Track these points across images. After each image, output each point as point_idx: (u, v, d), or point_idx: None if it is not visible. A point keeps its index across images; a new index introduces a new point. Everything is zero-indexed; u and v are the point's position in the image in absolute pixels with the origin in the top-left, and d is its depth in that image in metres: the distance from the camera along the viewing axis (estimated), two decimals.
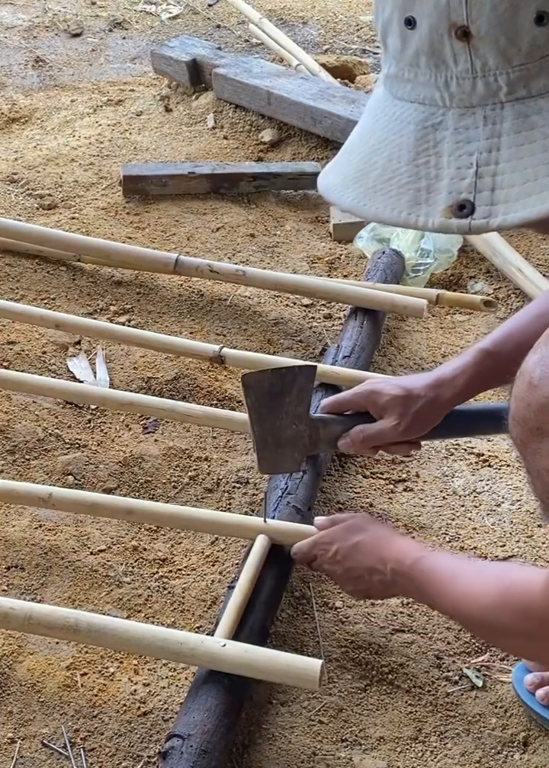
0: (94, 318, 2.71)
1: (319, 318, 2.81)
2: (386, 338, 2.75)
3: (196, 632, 1.86)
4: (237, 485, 2.26)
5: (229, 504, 2.22)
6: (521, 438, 1.51)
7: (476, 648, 1.94)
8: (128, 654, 1.86)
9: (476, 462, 2.34)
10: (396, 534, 1.87)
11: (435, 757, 1.76)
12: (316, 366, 1.97)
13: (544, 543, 2.14)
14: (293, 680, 1.71)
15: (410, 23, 1.05)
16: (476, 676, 1.89)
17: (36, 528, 2.12)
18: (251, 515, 2.13)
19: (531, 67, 1.01)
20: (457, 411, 1.89)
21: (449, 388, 1.84)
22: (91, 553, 2.08)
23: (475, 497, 2.27)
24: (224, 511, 2.19)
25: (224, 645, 1.69)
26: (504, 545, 2.14)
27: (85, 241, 2.89)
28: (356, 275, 3.01)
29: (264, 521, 1.96)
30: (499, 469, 2.33)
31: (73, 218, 3.14)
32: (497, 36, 1.01)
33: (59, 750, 1.72)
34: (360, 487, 2.26)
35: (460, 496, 2.27)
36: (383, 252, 2.90)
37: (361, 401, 1.90)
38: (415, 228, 1.05)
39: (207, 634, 1.78)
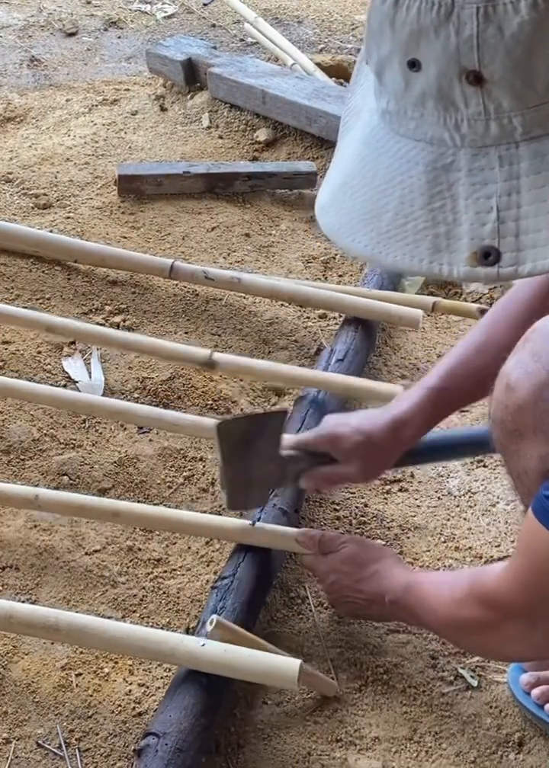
0: (90, 318, 2.71)
1: (314, 318, 2.81)
2: (382, 338, 2.75)
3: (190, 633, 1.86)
4: None
5: (224, 504, 2.21)
6: (500, 440, 1.52)
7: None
8: (123, 654, 1.85)
9: (471, 463, 2.34)
10: (393, 562, 1.88)
11: (430, 757, 1.76)
12: (287, 411, 2.00)
13: None
14: (272, 679, 1.73)
15: (414, 65, 1.00)
16: (471, 677, 1.89)
17: (30, 528, 2.12)
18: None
19: (547, 106, 0.97)
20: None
21: (408, 429, 1.84)
22: (86, 553, 2.08)
23: (470, 497, 2.27)
24: (219, 511, 2.19)
25: (203, 645, 1.69)
26: (499, 546, 2.14)
27: (82, 245, 2.89)
28: (351, 274, 3.01)
29: (252, 524, 1.97)
30: (494, 470, 2.33)
31: (68, 217, 3.14)
32: (512, 81, 0.96)
33: (54, 750, 1.72)
34: (355, 487, 2.26)
35: (455, 496, 2.27)
36: None
37: (324, 444, 1.90)
38: (440, 278, 1.00)
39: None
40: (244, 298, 2.85)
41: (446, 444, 2.03)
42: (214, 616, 1.75)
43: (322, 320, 2.80)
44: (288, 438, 1.95)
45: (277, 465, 1.90)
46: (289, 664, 1.69)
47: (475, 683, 1.88)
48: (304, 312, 2.83)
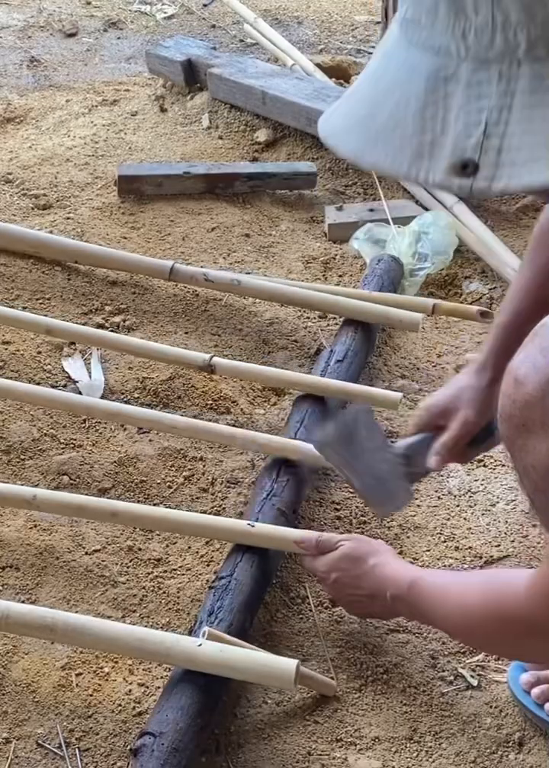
0: (89, 318, 2.71)
1: (314, 318, 2.81)
2: (382, 338, 2.75)
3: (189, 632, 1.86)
4: (231, 485, 2.26)
5: (223, 504, 2.22)
6: (507, 435, 1.51)
7: (471, 648, 1.94)
8: (120, 654, 1.85)
9: (471, 462, 2.34)
10: (390, 556, 1.89)
11: (430, 757, 1.76)
12: (368, 406, 2.03)
13: (538, 543, 2.14)
14: (269, 679, 1.72)
15: None
16: (471, 676, 1.89)
17: (31, 528, 2.12)
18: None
19: None
20: None
21: (496, 370, 1.84)
22: (86, 553, 2.08)
23: (470, 496, 2.27)
24: (218, 511, 2.19)
25: (200, 645, 1.69)
26: (499, 545, 2.14)
27: (82, 247, 2.90)
28: (352, 275, 3.01)
29: (252, 525, 1.97)
30: (494, 469, 2.33)
31: (68, 218, 3.14)
32: None
33: (54, 750, 1.72)
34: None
35: (455, 496, 2.27)
36: (381, 259, 2.89)
37: (431, 418, 1.94)
38: (415, 182, 1.00)
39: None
40: (244, 298, 2.85)
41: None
42: (206, 628, 1.75)
43: (322, 320, 2.80)
44: (399, 443, 2.00)
45: (394, 455, 1.93)
46: (286, 664, 1.69)
47: (475, 683, 1.88)
48: (304, 312, 2.83)
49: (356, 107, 1.07)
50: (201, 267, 2.87)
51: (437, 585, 1.77)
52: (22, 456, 2.29)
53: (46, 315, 2.64)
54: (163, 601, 2.00)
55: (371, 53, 4.47)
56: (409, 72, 1.01)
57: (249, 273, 2.90)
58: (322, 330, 2.76)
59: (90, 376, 2.53)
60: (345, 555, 1.90)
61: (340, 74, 4.16)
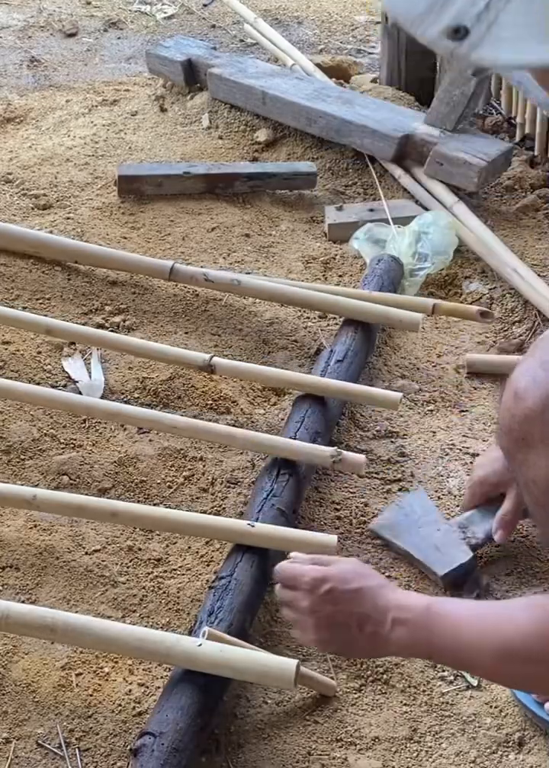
0: (89, 318, 2.71)
1: (314, 318, 2.81)
2: (382, 338, 2.75)
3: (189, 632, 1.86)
4: (231, 485, 2.26)
5: (223, 504, 2.22)
6: (507, 449, 1.51)
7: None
8: (119, 654, 1.85)
9: (471, 463, 2.34)
10: (396, 587, 1.75)
11: (430, 757, 1.76)
12: (422, 490, 2.22)
13: (539, 543, 2.14)
14: (269, 679, 1.73)
15: None
16: (471, 676, 1.89)
17: (31, 528, 2.12)
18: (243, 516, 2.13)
19: None
20: None
21: None
22: (86, 553, 2.08)
23: None
24: (218, 511, 2.19)
25: (200, 645, 1.69)
26: (499, 546, 2.14)
27: (82, 247, 2.90)
28: (351, 275, 3.00)
29: (252, 525, 1.97)
30: None
31: (68, 218, 3.14)
32: None
33: (54, 750, 1.72)
34: (355, 486, 2.26)
35: (455, 496, 2.27)
36: (381, 259, 2.89)
37: (484, 491, 2.06)
38: (414, 35, 1.04)
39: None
40: (244, 298, 2.85)
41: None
42: (206, 628, 1.74)
43: (322, 320, 2.80)
44: (455, 519, 2.15)
45: (450, 527, 2.10)
46: (286, 664, 1.69)
47: (475, 683, 1.88)
48: (304, 312, 2.83)
49: None
50: (201, 266, 2.87)
51: (467, 606, 1.64)
52: (22, 456, 2.29)
53: (46, 315, 2.64)
54: (163, 601, 2.00)
55: (371, 53, 4.49)
56: None
57: (249, 273, 2.90)
58: (322, 330, 2.76)
59: (90, 376, 2.53)
60: (352, 567, 1.70)
61: (340, 74, 4.15)
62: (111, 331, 2.66)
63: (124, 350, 2.56)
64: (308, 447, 2.19)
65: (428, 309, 2.70)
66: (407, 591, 1.81)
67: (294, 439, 2.22)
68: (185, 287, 2.86)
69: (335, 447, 2.20)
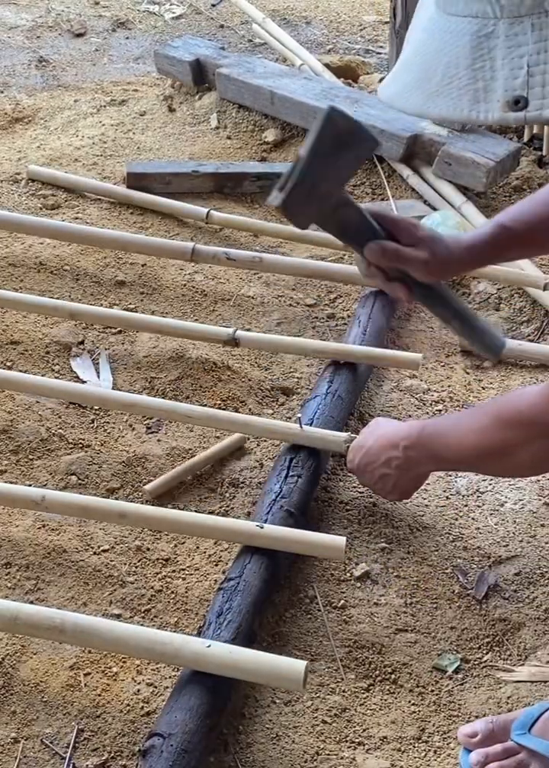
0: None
1: (323, 318, 2.81)
2: (390, 338, 2.75)
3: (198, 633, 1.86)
4: (239, 485, 2.26)
5: (231, 504, 2.22)
6: None
7: (479, 647, 1.94)
8: (128, 655, 1.85)
9: None
10: (397, 422, 2.12)
11: (438, 757, 1.76)
12: (379, 143, 1.90)
13: (547, 543, 2.14)
14: (277, 681, 1.72)
15: None
16: (479, 676, 1.89)
17: (39, 528, 2.13)
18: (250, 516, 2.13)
19: None
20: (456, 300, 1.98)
21: (472, 253, 1.93)
22: (95, 553, 2.09)
23: (478, 496, 2.27)
24: (226, 511, 2.19)
25: (209, 646, 1.69)
26: (507, 545, 2.14)
27: (102, 233, 2.96)
28: None
29: (261, 527, 1.97)
30: None
31: (76, 218, 3.14)
32: None
33: (62, 750, 1.72)
34: (364, 487, 2.26)
35: (463, 496, 2.27)
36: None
37: (402, 223, 1.91)
38: (477, 123, 1.22)
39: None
40: (252, 298, 2.85)
41: (466, 313, 1.96)
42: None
43: (330, 320, 2.80)
44: (370, 205, 1.98)
45: (340, 192, 1.83)
46: (294, 665, 1.69)
47: (483, 683, 1.87)
48: (312, 312, 2.83)
49: (408, 75, 1.24)
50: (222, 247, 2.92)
51: (448, 418, 2.02)
52: (30, 456, 2.29)
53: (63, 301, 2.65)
54: (171, 601, 2.01)
55: (379, 53, 4.49)
56: (454, 36, 1.17)
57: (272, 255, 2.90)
58: (330, 330, 2.76)
59: (98, 376, 2.53)
60: (364, 435, 2.12)
61: (349, 74, 4.15)
62: (120, 331, 2.66)
63: (146, 330, 2.62)
64: (322, 433, 2.21)
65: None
66: (405, 423, 2.08)
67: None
68: (194, 287, 2.87)
69: (349, 432, 2.22)
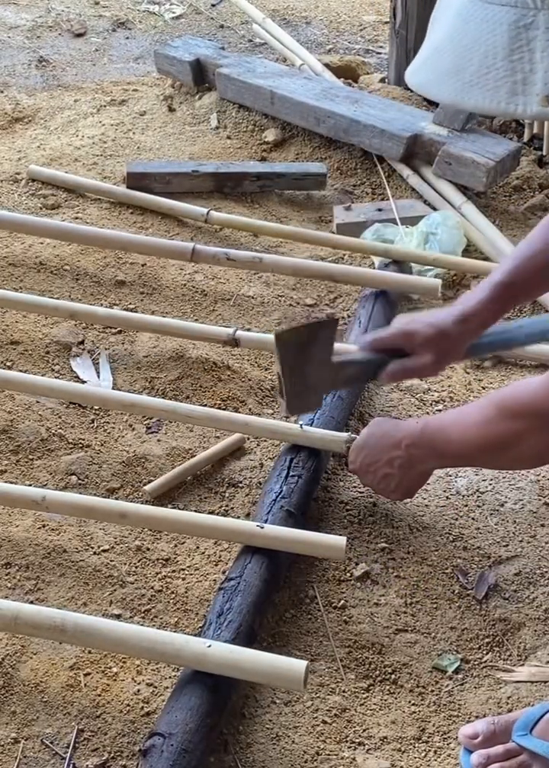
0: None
1: (324, 318, 2.81)
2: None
3: (198, 633, 1.86)
4: (239, 486, 2.26)
5: (231, 504, 2.22)
6: None
7: (479, 647, 1.94)
8: (129, 655, 1.85)
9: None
10: (398, 421, 2.12)
11: (438, 757, 1.76)
12: (338, 319, 2.04)
13: (547, 543, 2.14)
14: (278, 681, 1.72)
15: None
16: (480, 677, 1.89)
17: (39, 528, 2.13)
18: (251, 516, 2.13)
19: None
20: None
21: (476, 321, 1.96)
22: (95, 553, 2.09)
23: (478, 497, 2.27)
24: (226, 511, 2.19)
25: (209, 646, 1.69)
26: (507, 545, 2.14)
27: (103, 233, 2.96)
28: None
29: (261, 527, 1.97)
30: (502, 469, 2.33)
31: (76, 218, 3.14)
32: None
33: (62, 750, 1.72)
34: (364, 486, 2.26)
35: (463, 496, 2.27)
36: (387, 264, 2.89)
37: (398, 339, 2.00)
38: (514, 116, 1.16)
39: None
40: (252, 298, 2.85)
41: (509, 336, 2.10)
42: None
43: None
44: (362, 337, 2.10)
45: (330, 369, 1.99)
46: (295, 665, 1.69)
47: (483, 683, 1.87)
48: (312, 312, 2.83)
49: (441, 62, 1.22)
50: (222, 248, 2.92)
51: (450, 413, 2.00)
52: (31, 456, 2.29)
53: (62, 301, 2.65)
54: (171, 601, 2.01)
55: (379, 53, 4.49)
56: (491, 25, 1.16)
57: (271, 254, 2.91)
58: None
59: (98, 376, 2.53)
60: (359, 445, 2.10)
61: (349, 74, 4.15)
62: (120, 331, 2.67)
63: (148, 330, 2.62)
64: (322, 433, 2.21)
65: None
66: (406, 421, 2.09)
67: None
68: (194, 287, 2.87)
69: (349, 433, 2.22)
